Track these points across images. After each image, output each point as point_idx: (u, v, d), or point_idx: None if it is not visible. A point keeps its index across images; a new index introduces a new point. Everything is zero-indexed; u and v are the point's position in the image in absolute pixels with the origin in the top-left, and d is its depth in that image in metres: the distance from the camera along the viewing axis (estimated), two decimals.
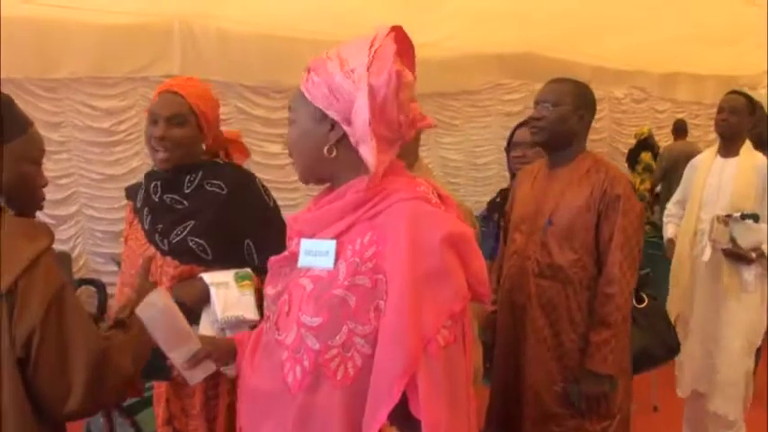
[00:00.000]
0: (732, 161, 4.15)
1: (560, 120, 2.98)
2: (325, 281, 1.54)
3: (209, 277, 2.33)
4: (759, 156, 4.14)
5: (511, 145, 3.79)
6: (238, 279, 2.33)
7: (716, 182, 4.17)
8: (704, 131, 10.16)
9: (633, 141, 9.16)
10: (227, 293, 2.30)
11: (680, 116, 9.25)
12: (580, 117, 2.99)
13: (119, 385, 1.78)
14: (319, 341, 1.51)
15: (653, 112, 9.98)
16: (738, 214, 3.94)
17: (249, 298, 2.31)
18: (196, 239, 2.43)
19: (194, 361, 1.86)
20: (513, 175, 3.73)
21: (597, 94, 8.60)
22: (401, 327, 1.46)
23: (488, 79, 7.63)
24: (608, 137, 9.15)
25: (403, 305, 1.47)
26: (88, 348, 1.69)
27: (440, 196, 1.66)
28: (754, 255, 3.95)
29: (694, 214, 4.23)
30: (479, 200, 6.56)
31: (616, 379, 2.88)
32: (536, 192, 3.08)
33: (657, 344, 3.21)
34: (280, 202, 2.65)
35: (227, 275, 2.34)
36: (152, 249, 2.45)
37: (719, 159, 4.21)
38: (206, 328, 2.30)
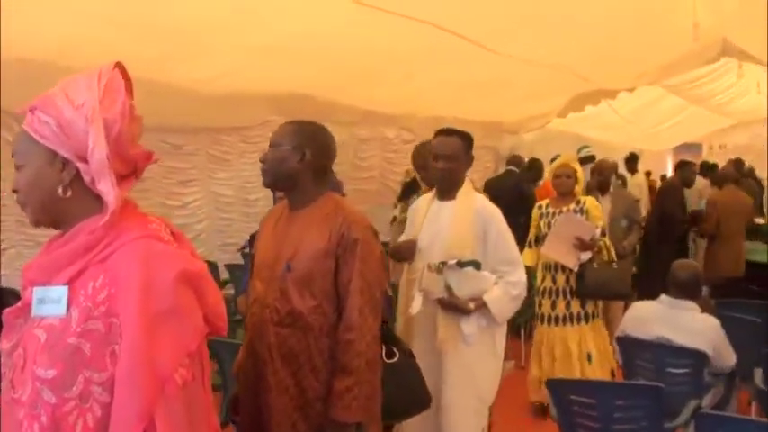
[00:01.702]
0: (449, 204, 3.95)
1: (277, 161, 2.92)
2: (58, 329, 1.49)
3: None
4: (477, 198, 3.99)
5: None
6: None
7: (433, 227, 3.94)
8: (470, 171, 10.67)
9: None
10: None
11: None
12: (302, 157, 2.90)
13: None
14: (56, 394, 1.45)
15: None
16: (454, 261, 3.75)
17: None
18: None
19: None
20: None
21: (368, 134, 8.82)
22: (136, 370, 1.43)
23: (260, 116, 7.66)
24: (379, 175, 9.42)
25: (137, 347, 1.44)
26: None
27: (172, 233, 1.65)
28: (472, 305, 3.75)
29: (415, 261, 3.97)
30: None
31: (364, 426, 2.80)
32: (277, 236, 2.99)
33: (405, 398, 3.11)
34: (27, 240, 2.48)
35: None
36: None
37: (437, 203, 4.02)
38: None
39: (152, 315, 1.47)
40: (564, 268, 5.36)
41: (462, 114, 9.52)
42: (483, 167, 11.20)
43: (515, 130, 11.32)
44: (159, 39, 4.96)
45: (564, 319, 5.41)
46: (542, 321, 5.54)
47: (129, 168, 1.60)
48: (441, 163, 3.91)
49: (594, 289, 5.29)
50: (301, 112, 7.59)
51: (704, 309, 4.44)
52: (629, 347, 4.44)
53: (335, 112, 7.82)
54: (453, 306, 3.77)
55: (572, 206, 5.53)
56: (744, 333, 4.86)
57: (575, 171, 5.56)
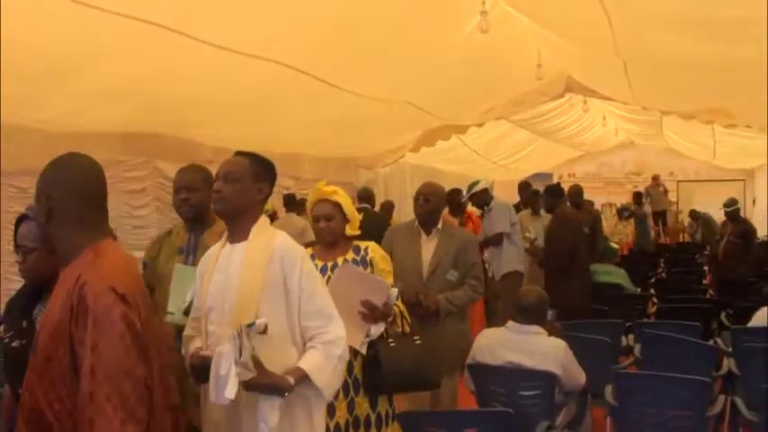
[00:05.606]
0: (239, 247, 2.97)
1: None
2: None
3: None
4: (278, 236, 3.00)
5: None
6: None
7: (220, 278, 2.96)
8: None
9: None
10: None
11: (304, 192, 9.72)
12: (47, 216, 2.33)
13: None
14: None
15: (279, 189, 10.40)
16: (262, 321, 2.70)
17: None
18: None
19: None
20: None
21: None
22: None
23: (110, 156, 7.49)
24: None
25: None
26: None
27: None
28: (292, 380, 2.76)
29: (203, 324, 2.99)
30: None
31: None
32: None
33: None
34: None
35: None
36: None
37: (228, 247, 3.03)
38: None
39: None
40: None
41: (318, 151, 9.61)
42: None
43: (370, 165, 11.50)
44: (17, 78, 4.79)
45: (347, 427, 3.68)
46: None
47: None
48: (218, 183, 2.99)
49: (393, 379, 3.65)
50: (153, 151, 7.55)
51: (551, 332, 4.62)
52: (481, 374, 4.56)
53: (188, 151, 7.73)
54: (268, 385, 2.71)
55: (350, 255, 3.88)
56: (594, 352, 5.13)
57: (338, 206, 3.84)
